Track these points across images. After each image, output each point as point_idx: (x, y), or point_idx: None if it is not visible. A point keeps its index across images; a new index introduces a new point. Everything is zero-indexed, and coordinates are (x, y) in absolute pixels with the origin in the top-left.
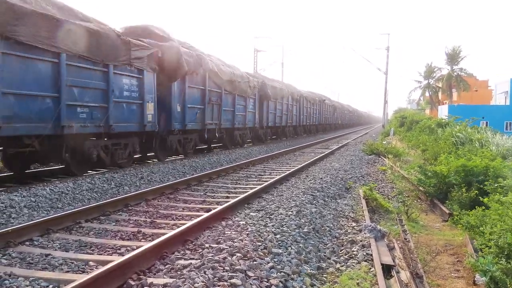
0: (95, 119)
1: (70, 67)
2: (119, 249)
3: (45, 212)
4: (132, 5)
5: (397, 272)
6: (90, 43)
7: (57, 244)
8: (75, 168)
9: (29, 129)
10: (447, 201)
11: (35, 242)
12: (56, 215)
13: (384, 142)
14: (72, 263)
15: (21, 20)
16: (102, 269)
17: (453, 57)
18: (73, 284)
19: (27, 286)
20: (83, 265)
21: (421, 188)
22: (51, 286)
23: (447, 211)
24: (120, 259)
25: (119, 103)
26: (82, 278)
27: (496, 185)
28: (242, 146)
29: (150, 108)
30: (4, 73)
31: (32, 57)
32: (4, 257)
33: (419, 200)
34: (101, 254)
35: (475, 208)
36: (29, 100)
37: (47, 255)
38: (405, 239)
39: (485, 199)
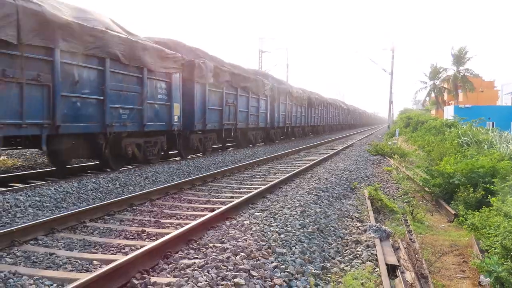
0: (254, 121)
1: (251, 98)
2: (123, 248)
3: (50, 211)
4: (133, 2)
5: (402, 273)
6: (251, 83)
7: (62, 243)
8: (242, 144)
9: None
10: (452, 202)
11: (39, 241)
12: (61, 214)
13: (389, 143)
14: (76, 262)
15: (243, 80)
16: (105, 268)
17: (459, 58)
18: (77, 283)
19: (31, 285)
20: (87, 264)
21: (426, 188)
22: (55, 285)
23: (453, 212)
24: (124, 258)
25: (261, 113)
26: (86, 277)
27: (503, 185)
28: (296, 138)
29: (268, 115)
30: (238, 102)
31: (242, 94)
32: (9, 256)
33: (424, 201)
34: (105, 253)
35: (482, 209)
36: (243, 113)
37: (51, 254)
38: (410, 239)
39: (492, 200)
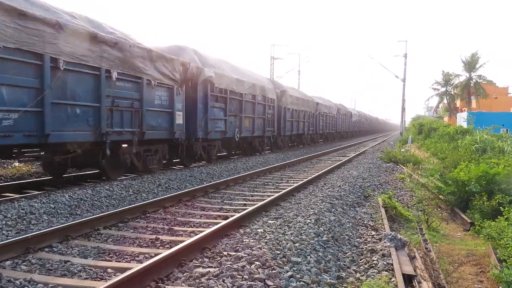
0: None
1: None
2: (138, 256)
3: (64, 218)
4: (149, 10)
5: (419, 283)
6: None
7: (76, 250)
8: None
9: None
10: (468, 210)
11: (54, 248)
12: (75, 221)
13: (402, 150)
14: (90, 270)
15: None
16: (120, 276)
17: (471, 64)
18: None
19: None
20: (101, 272)
21: (441, 196)
22: None
23: (469, 220)
24: (139, 266)
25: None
26: (101, 285)
27: None
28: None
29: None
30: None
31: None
32: (24, 263)
33: (439, 209)
34: (119, 261)
35: (497, 218)
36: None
37: (66, 262)
38: (426, 248)
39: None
